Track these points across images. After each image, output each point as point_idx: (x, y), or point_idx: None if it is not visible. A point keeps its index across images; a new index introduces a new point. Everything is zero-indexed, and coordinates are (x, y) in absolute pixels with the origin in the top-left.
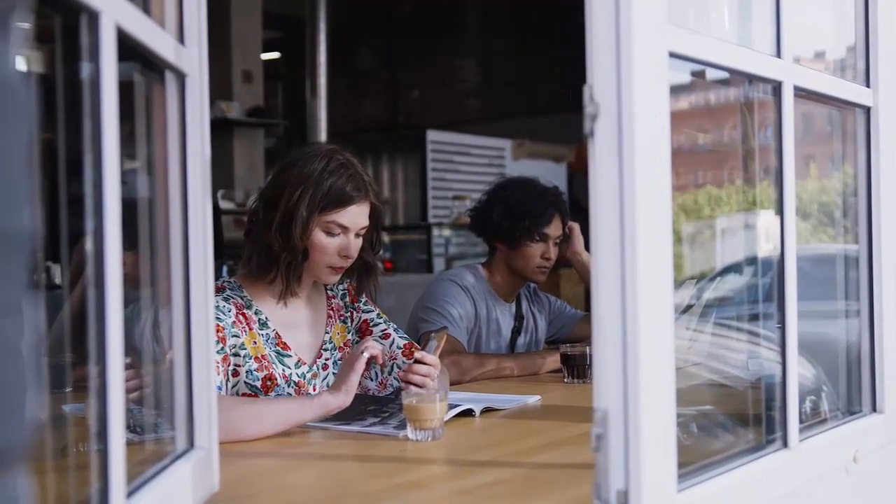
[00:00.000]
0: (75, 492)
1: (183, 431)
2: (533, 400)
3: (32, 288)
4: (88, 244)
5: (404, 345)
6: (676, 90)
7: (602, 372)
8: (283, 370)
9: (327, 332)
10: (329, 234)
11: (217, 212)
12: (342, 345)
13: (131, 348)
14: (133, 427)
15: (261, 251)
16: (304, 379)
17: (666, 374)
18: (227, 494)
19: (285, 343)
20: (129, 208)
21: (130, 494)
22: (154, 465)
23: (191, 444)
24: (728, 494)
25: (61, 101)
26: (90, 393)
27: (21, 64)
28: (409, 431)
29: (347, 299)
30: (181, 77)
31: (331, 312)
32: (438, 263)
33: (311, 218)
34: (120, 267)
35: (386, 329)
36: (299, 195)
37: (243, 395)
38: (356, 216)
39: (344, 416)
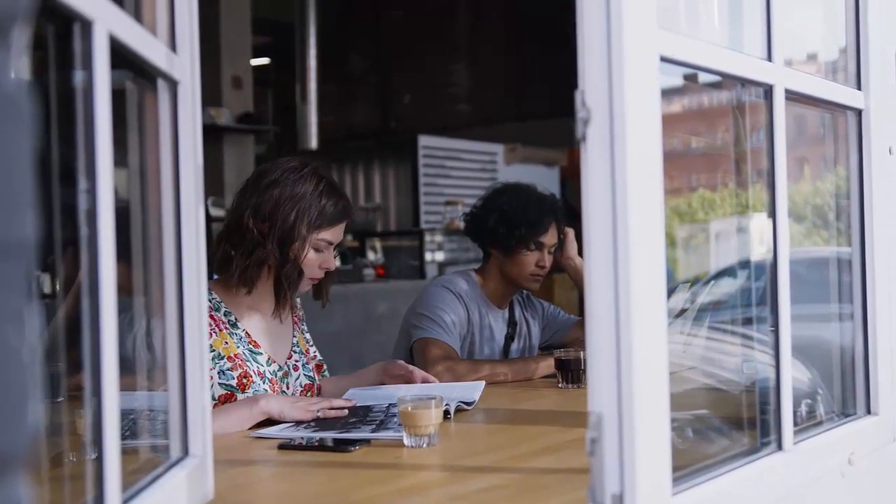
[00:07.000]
0: (70, 501)
1: (177, 439)
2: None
3: (33, 296)
4: (82, 253)
5: (305, 385)
6: (669, 93)
7: (596, 375)
8: (258, 367)
9: (294, 336)
10: (317, 250)
11: (207, 219)
12: (305, 350)
13: (124, 358)
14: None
15: (255, 264)
16: (276, 377)
17: (660, 378)
18: (222, 503)
19: (255, 342)
20: (121, 216)
21: (125, 503)
22: (149, 473)
23: (185, 451)
24: (723, 497)
25: (53, 108)
26: (83, 402)
27: (21, 73)
28: (405, 438)
29: (302, 313)
30: (173, 84)
31: (296, 319)
32: (431, 269)
33: (308, 237)
34: (114, 276)
35: (318, 357)
36: (296, 215)
37: (220, 396)
38: (341, 233)
39: (339, 427)
